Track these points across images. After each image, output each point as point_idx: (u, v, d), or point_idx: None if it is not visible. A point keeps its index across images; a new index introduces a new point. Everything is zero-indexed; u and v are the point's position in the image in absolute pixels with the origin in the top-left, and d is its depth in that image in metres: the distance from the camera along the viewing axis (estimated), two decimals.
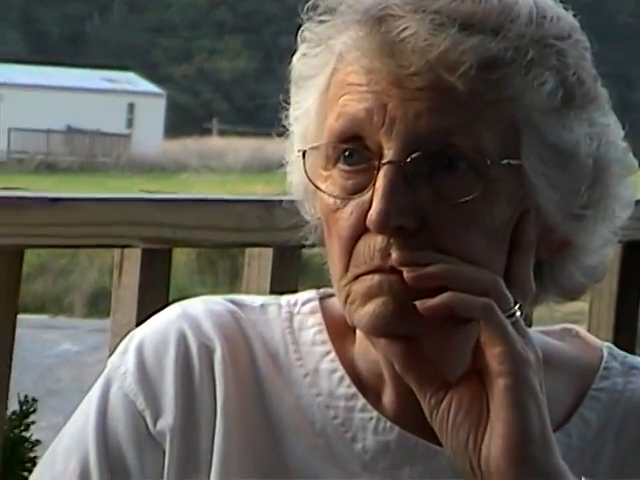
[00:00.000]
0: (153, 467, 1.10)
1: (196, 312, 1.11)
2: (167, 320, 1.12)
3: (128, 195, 1.96)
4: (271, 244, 1.81)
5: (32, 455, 2.50)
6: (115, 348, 1.15)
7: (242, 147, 26.90)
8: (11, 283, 1.62)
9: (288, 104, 1.08)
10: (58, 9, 40.53)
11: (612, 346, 1.19)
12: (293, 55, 1.06)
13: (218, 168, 24.31)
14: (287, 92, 1.08)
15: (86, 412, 1.11)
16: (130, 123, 32.03)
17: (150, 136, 29.89)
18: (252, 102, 33.68)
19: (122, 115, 31.81)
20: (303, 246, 1.21)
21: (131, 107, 31.53)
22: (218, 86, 36.24)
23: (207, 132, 32.10)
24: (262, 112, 28.52)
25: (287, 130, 1.09)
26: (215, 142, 29.68)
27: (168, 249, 1.72)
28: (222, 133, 31.96)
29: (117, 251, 1.70)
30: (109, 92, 31.69)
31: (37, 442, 2.55)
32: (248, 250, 1.85)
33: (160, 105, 31.66)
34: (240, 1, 40.04)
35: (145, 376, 1.11)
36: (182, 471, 1.09)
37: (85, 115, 30.21)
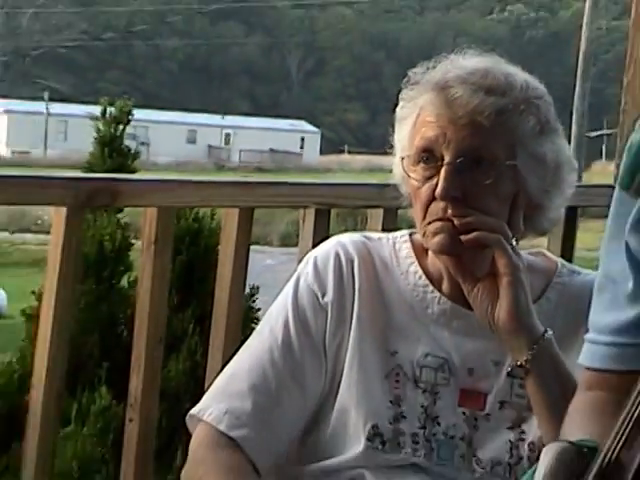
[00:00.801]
0: (322, 324, 1.59)
1: (344, 240, 1.64)
2: (328, 245, 1.65)
3: (310, 180, 2.97)
4: (382, 207, 2.45)
5: (256, 316, 3.50)
6: (300, 262, 1.70)
7: (360, 160, 44.77)
8: (247, 228, 2.31)
9: (392, 134, 1.61)
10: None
11: (562, 260, 1.72)
12: (394, 108, 1.61)
13: (348, 171, 39.72)
14: (392, 127, 1.61)
15: (285, 293, 1.63)
16: (302, 146, 54.36)
17: (312, 154, 52.12)
18: (366, 136, 56.04)
19: (298, 142, 54.26)
20: (399, 207, 1.95)
21: (302, 139, 54.81)
22: (348, 127, 61.80)
23: (342, 152, 52.94)
24: (371, 140, 48.56)
25: (391, 148, 1.61)
26: (345, 157, 50.70)
27: (328, 210, 2.41)
28: (349, 152, 52.95)
29: (301, 210, 2.45)
30: (292, 131, 54.68)
31: (258, 309, 3.58)
32: (369, 210, 2.52)
33: (317, 138, 55.49)
34: (361, 82, 65.83)
35: (317, 274, 1.61)
36: (336, 327, 1.59)
37: (280, 142, 51.67)
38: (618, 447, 1.07)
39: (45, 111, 44.85)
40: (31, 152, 41.63)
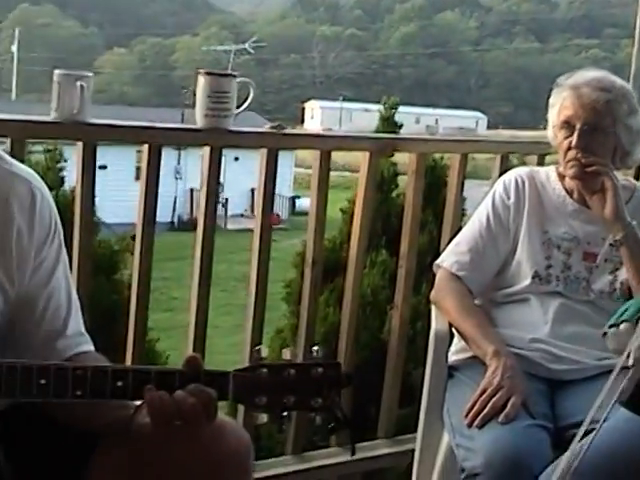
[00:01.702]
0: (507, 215, 2.71)
1: (519, 170, 2.81)
2: (511, 172, 2.81)
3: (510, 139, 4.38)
4: (536, 153, 3.50)
5: None
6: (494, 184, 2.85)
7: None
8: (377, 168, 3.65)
9: (546, 113, 2.74)
10: None
11: (638, 183, 2.84)
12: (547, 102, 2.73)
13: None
14: (546, 110, 2.73)
15: (486, 199, 2.76)
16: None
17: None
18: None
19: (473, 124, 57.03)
20: (547, 154, 3.34)
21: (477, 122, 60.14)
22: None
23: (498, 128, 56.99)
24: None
25: (546, 123, 2.74)
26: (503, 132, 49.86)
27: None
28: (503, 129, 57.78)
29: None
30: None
31: None
32: (530, 157, 3.85)
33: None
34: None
35: (505, 188, 2.75)
36: (515, 216, 2.71)
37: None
38: None
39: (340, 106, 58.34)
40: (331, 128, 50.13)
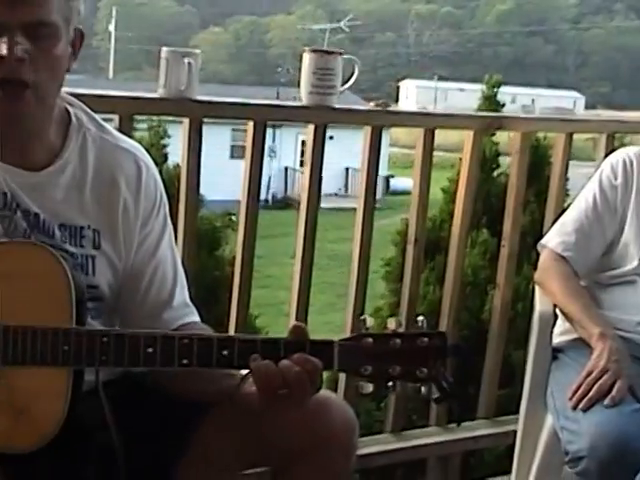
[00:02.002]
0: (614, 195, 2.65)
1: (627, 150, 2.70)
2: (618, 153, 2.73)
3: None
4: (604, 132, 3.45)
5: None
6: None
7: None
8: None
9: None
10: None
11: None
12: None
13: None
14: None
15: (593, 179, 2.69)
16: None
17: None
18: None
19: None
20: None
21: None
22: None
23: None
24: None
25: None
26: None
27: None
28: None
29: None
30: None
31: None
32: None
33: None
34: None
35: (612, 168, 2.67)
36: (622, 197, 2.63)
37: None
38: None
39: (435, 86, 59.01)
40: (426, 107, 51.84)
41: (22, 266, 1.67)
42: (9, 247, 1.72)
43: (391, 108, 3.05)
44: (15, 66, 1.66)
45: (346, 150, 19.04)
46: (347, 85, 2.83)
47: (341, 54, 2.79)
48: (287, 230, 18.43)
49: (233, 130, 24.58)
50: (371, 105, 2.98)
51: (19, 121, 1.73)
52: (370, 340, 1.68)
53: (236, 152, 24.06)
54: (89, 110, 1.94)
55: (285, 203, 25.35)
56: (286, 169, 27.53)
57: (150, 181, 1.93)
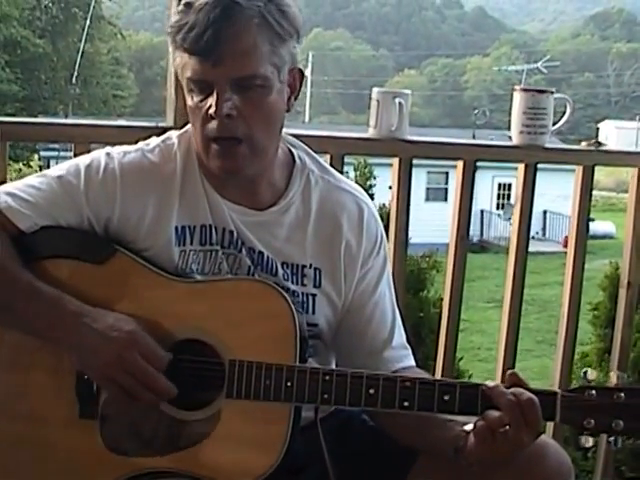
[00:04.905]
0: None
1: None
2: None
3: None
4: None
5: None
6: None
7: None
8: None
9: None
10: None
11: None
12: None
13: None
14: None
15: None
16: None
17: None
18: None
19: None
20: None
21: None
22: None
23: None
24: None
25: None
26: None
27: None
28: None
29: None
30: None
31: None
32: None
33: None
34: None
35: None
36: None
37: None
38: None
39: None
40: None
41: (250, 303, 1.71)
42: (238, 284, 1.77)
43: (603, 148, 2.98)
44: (225, 123, 1.71)
45: (539, 193, 18.75)
46: (559, 124, 2.79)
47: (552, 93, 2.75)
48: (483, 274, 18.24)
49: (429, 173, 24.65)
50: (583, 145, 2.92)
51: (237, 173, 1.79)
52: (593, 393, 1.67)
53: (431, 195, 24.10)
54: (311, 151, 1.98)
55: (481, 246, 25.13)
56: (482, 212, 27.32)
57: (371, 221, 1.95)
